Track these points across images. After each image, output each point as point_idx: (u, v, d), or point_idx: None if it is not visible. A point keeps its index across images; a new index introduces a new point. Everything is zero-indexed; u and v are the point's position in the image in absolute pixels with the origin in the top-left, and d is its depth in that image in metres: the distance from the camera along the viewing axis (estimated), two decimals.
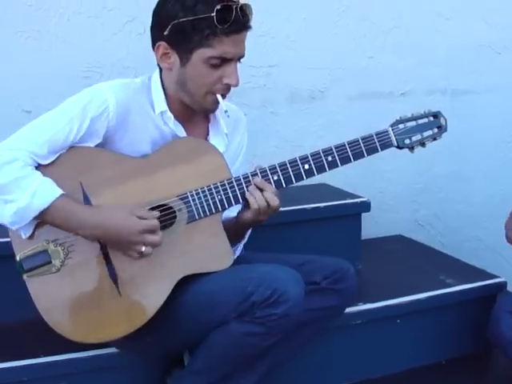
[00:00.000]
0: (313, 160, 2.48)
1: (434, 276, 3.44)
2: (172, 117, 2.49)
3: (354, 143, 2.50)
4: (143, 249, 2.31)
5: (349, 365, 3.09)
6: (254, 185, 2.44)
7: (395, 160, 3.90)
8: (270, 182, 2.45)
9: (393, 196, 4.19)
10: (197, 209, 2.42)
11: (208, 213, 2.42)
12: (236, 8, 2.31)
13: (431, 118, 2.60)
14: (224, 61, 2.38)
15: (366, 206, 3.51)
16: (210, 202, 2.42)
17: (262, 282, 2.31)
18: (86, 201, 2.35)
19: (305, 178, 2.49)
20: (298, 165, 2.47)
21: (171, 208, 2.42)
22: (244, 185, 2.44)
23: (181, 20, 2.32)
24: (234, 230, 2.55)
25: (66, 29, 3.32)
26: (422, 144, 2.58)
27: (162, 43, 2.39)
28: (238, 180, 2.44)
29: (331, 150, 2.49)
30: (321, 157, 2.48)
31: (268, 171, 2.46)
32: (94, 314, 2.36)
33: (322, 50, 3.87)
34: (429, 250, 3.93)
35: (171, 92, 2.49)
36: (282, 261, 2.53)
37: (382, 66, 4.03)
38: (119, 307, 2.36)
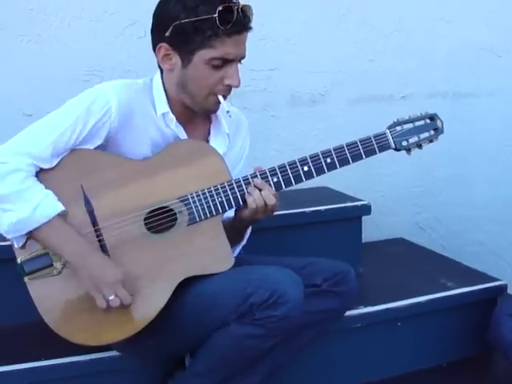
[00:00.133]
0: (312, 162, 2.49)
1: (434, 279, 3.44)
2: (174, 118, 2.49)
3: (352, 145, 2.51)
4: (112, 298, 2.29)
5: (349, 368, 3.09)
6: (254, 185, 2.45)
7: (396, 163, 3.90)
8: (270, 184, 2.46)
9: (393, 199, 4.19)
10: (197, 211, 2.42)
11: (209, 215, 2.43)
12: (237, 9, 2.32)
13: (428, 121, 2.62)
14: (225, 62, 2.38)
15: (366, 209, 3.51)
16: (211, 204, 2.42)
17: (261, 284, 2.31)
18: (88, 203, 2.35)
19: (304, 179, 2.50)
20: (297, 167, 2.48)
21: (172, 210, 2.42)
22: (244, 187, 2.45)
23: (182, 21, 2.32)
24: (232, 229, 2.56)
25: (66, 33, 3.32)
26: (419, 146, 2.59)
27: (164, 44, 2.40)
28: (237, 182, 2.45)
29: (330, 152, 2.50)
30: (320, 159, 2.49)
31: (268, 173, 2.47)
32: (95, 316, 2.35)
33: (323, 54, 3.87)
34: (429, 253, 3.93)
35: (172, 93, 2.49)
36: (283, 263, 2.53)
37: (383, 70, 4.04)
38: (121, 309, 2.35)
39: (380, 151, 2.54)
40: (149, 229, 2.41)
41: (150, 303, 2.37)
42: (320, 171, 2.50)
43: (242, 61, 2.45)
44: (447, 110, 4.17)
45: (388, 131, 2.55)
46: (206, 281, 2.41)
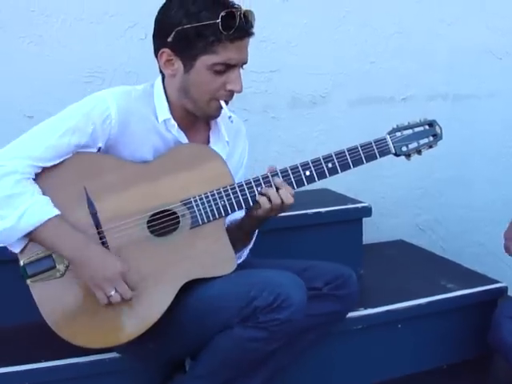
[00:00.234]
0: (314, 167, 2.50)
1: (435, 281, 3.44)
2: (175, 125, 2.49)
3: (353, 150, 2.53)
4: (112, 293, 2.30)
5: (350, 370, 3.09)
6: (274, 184, 2.46)
7: (396, 165, 3.88)
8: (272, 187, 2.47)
9: (394, 201, 4.19)
10: (200, 214, 2.42)
11: (211, 218, 2.43)
12: (240, 14, 2.32)
13: (427, 127, 2.65)
14: (228, 67, 2.38)
15: (367, 211, 3.51)
16: (214, 207, 2.43)
17: (265, 287, 2.31)
18: (91, 206, 2.35)
19: (306, 184, 2.51)
20: (299, 171, 2.49)
21: (175, 213, 2.42)
22: (247, 191, 2.45)
23: (185, 27, 2.32)
24: (240, 230, 2.60)
25: (67, 34, 3.32)
26: (419, 152, 2.62)
27: (166, 50, 2.40)
28: (240, 186, 2.45)
29: (331, 156, 2.51)
30: (321, 163, 2.50)
31: (270, 177, 2.47)
32: (98, 318, 2.35)
33: (324, 56, 3.87)
34: (430, 255, 3.93)
35: (174, 99, 2.49)
36: (284, 266, 2.53)
37: (384, 72, 4.04)
38: (124, 312, 2.36)
39: (380, 156, 2.56)
40: (152, 232, 2.41)
41: (153, 306, 2.37)
42: (322, 176, 2.51)
43: (244, 66, 2.45)
44: (448, 111, 4.18)
45: (388, 137, 2.57)
46: (208, 284, 2.41)
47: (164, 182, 2.42)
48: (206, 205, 2.42)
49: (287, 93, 3.84)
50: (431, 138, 2.63)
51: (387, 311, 3.13)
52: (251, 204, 2.47)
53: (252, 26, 2.39)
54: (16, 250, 2.32)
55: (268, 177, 2.47)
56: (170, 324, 2.38)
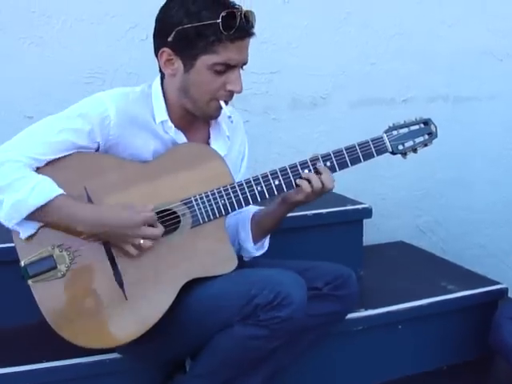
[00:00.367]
0: (312, 165, 2.50)
1: (435, 282, 3.44)
2: (173, 126, 2.49)
3: (350, 149, 2.54)
4: (141, 241, 2.31)
5: (350, 370, 3.09)
6: (316, 168, 2.49)
7: (397, 166, 3.90)
8: (272, 187, 2.47)
9: (394, 202, 4.19)
10: (201, 213, 2.43)
11: (212, 217, 2.44)
12: (240, 14, 2.32)
13: (422, 125, 2.66)
14: (228, 67, 2.38)
15: (367, 213, 3.51)
16: (214, 206, 2.43)
17: (265, 286, 2.31)
18: None
19: None
20: (297, 170, 2.50)
21: (175, 213, 2.42)
22: (246, 189, 2.46)
23: (185, 26, 2.32)
24: (273, 216, 2.64)
25: (68, 35, 3.33)
26: (414, 150, 2.63)
27: (166, 49, 2.40)
28: (240, 185, 2.46)
29: (329, 155, 2.52)
30: (320, 162, 2.50)
31: (269, 175, 2.48)
32: (100, 318, 2.36)
33: (324, 57, 3.88)
34: (430, 256, 3.93)
35: (173, 99, 2.49)
36: (285, 266, 2.53)
37: (384, 73, 4.04)
38: (125, 312, 2.36)
39: (377, 155, 2.58)
40: None
41: (155, 306, 2.37)
42: None
43: (245, 67, 2.45)
44: (448, 113, 4.18)
45: (385, 135, 2.58)
46: (209, 283, 2.41)
47: (164, 182, 2.43)
48: (207, 204, 2.43)
49: (288, 94, 3.85)
50: (426, 137, 2.65)
51: (387, 312, 3.13)
52: (251, 202, 2.48)
53: (252, 27, 2.39)
54: (26, 233, 2.30)
55: (267, 175, 2.48)
56: (170, 323, 2.38)
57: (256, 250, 2.70)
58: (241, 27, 2.33)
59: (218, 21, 2.29)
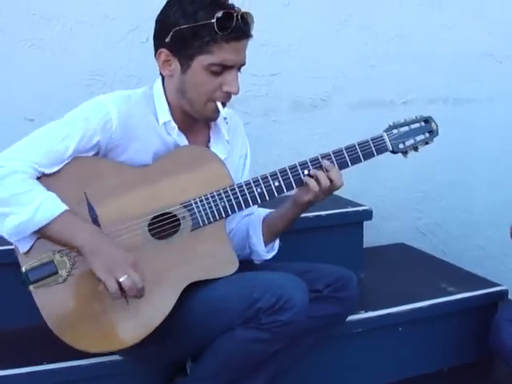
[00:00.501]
0: (312, 166, 2.50)
1: (435, 284, 3.44)
2: (176, 127, 2.49)
3: (350, 148, 2.53)
4: (124, 277, 2.25)
5: (350, 373, 3.09)
6: (323, 166, 2.48)
7: (397, 168, 3.91)
8: (271, 188, 2.47)
9: (394, 204, 4.19)
10: (201, 216, 2.43)
11: (212, 220, 2.44)
12: (237, 16, 2.32)
13: (423, 123, 2.65)
14: (225, 68, 2.38)
15: (367, 215, 3.51)
16: (214, 209, 2.43)
17: (267, 289, 2.31)
18: (91, 211, 2.35)
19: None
20: (297, 170, 2.50)
21: (175, 216, 2.42)
22: (246, 191, 2.46)
23: (182, 27, 2.33)
24: (285, 218, 2.63)
25: (68, 37, 3.33)
26: (415, 148, 2.62)
27: (164, 50, 2.41)
28: (240, 187, 2.46)
29: (329, 155, 2.51)
30: (319, 162, 2.50)
31: (269, 177, 2.48)
32: (101, 323, 2.35)
33: (324, 59, 3.88)
34: (430, 258, 3.93)
35: (173, 100, 2.50)
36: (285, 269, 2.53)
37: (384, 75, 4.05)
38: (127, 316, 2.35)
39: (378, 154, 2.56)
40: (153, 235, 2.41)
41: (156, 309, 2.37)
42: None
43: (242, 68, 2.45)
44: (448, 115, 4.18)
45: (385, 134, 2.57)
46: (210, 286, 2.41)
47: (164, 185, 2.42)
48: (207, 206, 2.43)
49: (288, 96, 3.85)
50: (427, 135, 2.63)
51: (388, 314, 3.13)
52: (251, 204, 2.48)
53: (250, 28, 2.39)
54: (24, 248, 2.30)
55: (267, 176, 2.48)
56: (172, 326, 2.37)
57: (267, 252, 2.70)
58: (237, 28, 2.33)
59: (212, 21, 2.30)
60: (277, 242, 2.75)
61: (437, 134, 2.64)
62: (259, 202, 2.49)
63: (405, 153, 2.60)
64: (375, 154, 2.55)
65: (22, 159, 2.27)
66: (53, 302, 2.33)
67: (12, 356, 2.69)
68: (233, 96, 2.46)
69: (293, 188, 2.51)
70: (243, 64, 2.44)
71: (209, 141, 2.62)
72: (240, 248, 2.70)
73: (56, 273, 2.32)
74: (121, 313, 2.35)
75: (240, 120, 2.78)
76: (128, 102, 2.46)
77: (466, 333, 3.34)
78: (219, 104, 2.45)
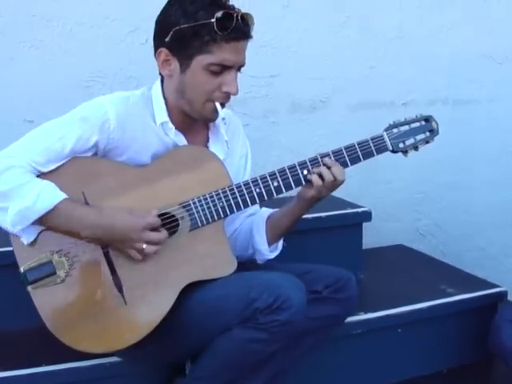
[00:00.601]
0: (311, 165, 2.50)
1: (435, 285, 3.44)
2: (173, 128, 2.49)
3: (350, 148, 2.52)
4: (144, 246, 2.31)
5: (349, 374, 3.09)
6: (323, 163, 2.48)
7: (396, 169, 3.91)
8: (270, 188, 2.47)
9: (394, 205, 4.19)
10: (199, 216, 2.42)
11: (210, 220, 2.43)
12: (237, 16, 2.33)
13: (423, 122, 2.63)
14: (224, 68, 2.38)
15: (367, 216, 3.51)
16: (213, 209, 2.43)
17: (265, 289, 2.31)
18: None
19: (304, 183, 2.51)
20: (296, 170, 2.50)
21: (174, 216, 2.42)
22: (245, 191, 2.46)
23: (182, 26, 2.33)
24: (291, 216, 2.64)
25: (68, 39, 3.33)
26: (416, 148, 2.60)
27: (163, 50, 2.41)
28: (238, 187, 2.46)
29: (328, 155, 2.51)
30: (318, 162, 2.50)
31: (268, 177, 2.47)
32: (99, 324, 2.36)
33: (324, 60, 3.88)
34: (430, 259, 3.93)
35: (172, 100, 2.50)
36: (284, 270, 2.53)
37: (384, 76, 4.05)
38: (125, 316, 2.36)
39: (377, 153, 2.55)
40: None
41: (155, 309, 2.37)
42: None
43: (242, 69, 2.45)
44: (448, 116, 4.18)
45: (385, 133, 2.56)
46: (209, 286, 2.41)
47: (162, 185, 2.42)
48: (205, 207, 2.43)
49: (287, 97, 3.85)
50: (428, 134, 2.62)
51: (387, 315, 3.13)
52: (250, 204, 2.48)
53: (250, 29, 2.39)
54: (29, 239, 2.30)
55: (266, 177, 2.48)
56: (170, 326, 2.38)
57: (270, 252, 2.70)
58: (236, 28, 2.33)
59: (212, 20, 2.30)
60: (280, 242, 2.75)
61: (437, 132, 2.63)
62: (258, 202, 2.50)
63: (405, 152, 2.59)
64: (375, 153, 2.55)
65: (20, 156, 2.28)
66: (51, 303, 2.34)
67: (12, 358, 2.69)
68: (232, 97, 2.46)
69: (292, 188, 2.50)
70: (243, 65, 2.44)
71: (207, 141, 2.62)
72: (243, 249, 2.71)
73: (54, 273, 2.33)
74: (119, 313, 2.35)
75: (239, 121, 2.78)
76: (126, 103, 2.46)
77: (465, 334, 3.34)
78: (218, 105, 2.44)
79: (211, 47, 2.34)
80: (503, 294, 3.40)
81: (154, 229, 2.35)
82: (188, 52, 2.37)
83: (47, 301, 2.33)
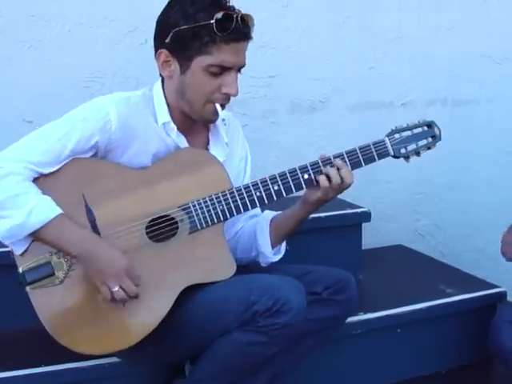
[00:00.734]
0: (312, 170, 2.49)
1: (434, 286, 3.44)
2: (175, 128, 2.49)
3: (351, 153, 2.51)
4: (116, 288, 2.28)
5: (349, 374, 3.09)
6: (334, 164, 2.47)
7: (396, 170, 3.90)
8: (271, 192, 2.46)
9: (393, 206, 4.19)
10: (199, 219, 2.42)
11: (210, 223, 2.43)
12: (237, 17, 2.32)
13: (425, 128, 2.62)
14: (223, 69, 2.38)
15: (366, 216, 3.51)
16: (212, 212, 2.42)
17: (264, 292, 2.30)
18: (89, 213, 2.35)
19: (304, 187, 2.50)
20: (297, 174, 2.48)
21: (173, 219, 2.42)
22: (245, 195, 2.45)
23: (182, 27, 2.33)
24: (296, 218, 2.63)
25: (67, 39, 3.33)
26: (417, 153, 2.59)
27: (163, 51, 2.40)
28: (239, 190, 2.45)
29: (330, 159, 2.50)
30: (319, 166, 2.49)
31: (268, 181, 2.47)
32: (98, 325, 2.35)
33: (323, 61, 3.88)
34: (429, 259, 3.93)
35: (172, 101, 2.49)
36: (284, 271, 2.53)
37: (383, 77, 4.05)
38: (123, 318, 2.36)
39: (379, 159, 2.54)
40: (150, 238, 2.40)
41: (153, 311, 2.37)
42: None
43: (242, 70, 2.45)
44: (447, 116, 4.18)
45: (387, 139, 2.55)
46: (208, 288, 2.41)
47: (162, 187, 2.42)
48: (205, 210, 2.42)
49: (286, 98, 3.85)
50: (430, 140, 2.61)
51: (386, 316, 3.13)
52: (250, 208, 2.47)
53: (250, 30, 2.39)
54: (19, 250, 2.31)
55: (266, 180, 2.47)
56: (169, 328, 2.38)
57: (274, 254, 2.69)
58: (236, 29, 2.33)
59: (212, 21, 2.30)
60: (283, 245, 2.74)
61: (439, 138, 2.62)
62: (258, 205, 2.49)
63: (407, 157, 2.58)
64: (377, 158, 2.53)
65: (19, 160, 2.27)
66: (49, 304, 2.34)
67: (10, 358, 2.69)
68: (232, 98, 2.46)
69: (292, 192, 2.50)
70: (243, 66, 2.44)
71: (208, 143, 2.62)
72: (246, 251, 2.70)
73: (53, 274, 2.33)
74: (117, 315, 2.35)
75: (238, 122, 2.78)
76: (127, 103, 2.45)
77: (464, 334, 3.34)
78: (218, 106, 2.44)
79: (211, 48, 2.34)
80: (502, 295, 3.41)
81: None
82: (188, 53, 2.37)
83: (45, 302, 2.33)
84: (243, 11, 2.37)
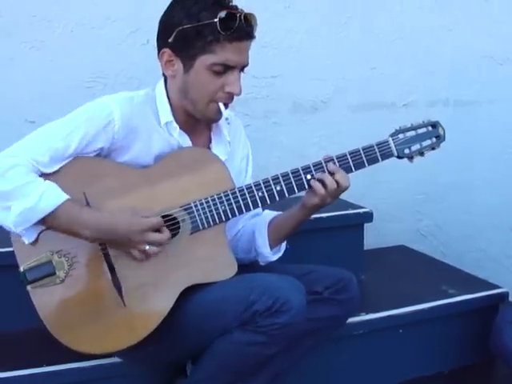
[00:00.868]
0: (315, 170, 2.48)
1: (436, 286, 3.44)
2: (177, 127, 2.49)
3: (355, 153, 2.51)
4: (147, 247, 2.31)
5: (351, 374, 3.09)
6: (327, 170, 2.47)
7: (398, 170, 3.90)
8: (273, 192, 2.46)
9: (395, 206, 4.19)
10: (201, 219, 2.42)
11: (212, 223, 2.43)
12: (240, 16, 2.33)
13: (430, 128, 2.61)
14: (227, 68, 2.38)
15: (368, 217, 3.51)
16: (214, 212, 2.43)
17: (264, 291, 2.30)
18: None
19: (307, 188, 2.50)
20: (300, 175, 2.48)
21: (175, 218, 2.42)
22: (247, 195, 2.45)
23: (185, 26, 2.33)
24: (294, 221, 2.63)
25: (69, 39, 3.33)
26: (421, 153, 2.58)
27: (167, 50, 2.41)
28: (241, 190, 2.45)
29: (332, 159, 2.50)
30: (322, 167, 2.48)
31: (270, 181, 2.46)
32: (98, 324, 2.35)
33: (325, 61, 3.88)
34: (431, 260, 3.93)
35: (175, 101, 2.50)
36: (285, 271, 2.53)
37: (385, 77, 4.05)
38: (124, 318, 2.36)
39: (383, 159, 2.54)
40: None
41: (154, 311, 2.37)
42: None
43: (245, 69, 2.45)
44: (448, 117, 4.17)
45: (391, 139, 2.54)
46: (208, 288, 2.41)
47: (164, 187, 2.42)
48: (207, 210, 2.42)
49: (288, 98, 3.85)
50: (434, 140, 2.60)
51: (388, 316, 3.13)
52: (252, 208, 2.47)
53: (253, 29, 2.39)
54: (30, 239, 2.29)
55: (269, 181, 2.47)
56: (170, 328, 2.38)
57: (272, 254, 2.69)
58: (239, 28, 2.33)
59: (215, 20, 2.30)
60: (283, 244, 2.74)
61: (444, 139, 2.61)
62: (260, 205, 2.49)
63: (410, 158, 2.57)
64: (380, 159, 2.53)
65: (24, 155, 2.26)
66: (50, 303, 2.34)
67: (12, 358, 2.69)
68: (235, 97, 2.46)
69: (294, 193, 2.49)
70: (246, 65, 2.44)
71: (210, 142, 2.62)
72: (246, 251, 2.71)
73: (54, 273, 2.33)
74: (118, 315, 2.35)
75: (240, 122, 2.79)
76: (131, 103, 2.45)
77: (466, 335, 3.34)
78: (221, 105, 2.44)
79: (214, 47, 2.34)
80: (504, 295, 3.40)
81: (157, 229, 2.34)
82: (191, 52, 2.37)
83: (46, 301, 2.33)
84: (246, 10, 2.37)
